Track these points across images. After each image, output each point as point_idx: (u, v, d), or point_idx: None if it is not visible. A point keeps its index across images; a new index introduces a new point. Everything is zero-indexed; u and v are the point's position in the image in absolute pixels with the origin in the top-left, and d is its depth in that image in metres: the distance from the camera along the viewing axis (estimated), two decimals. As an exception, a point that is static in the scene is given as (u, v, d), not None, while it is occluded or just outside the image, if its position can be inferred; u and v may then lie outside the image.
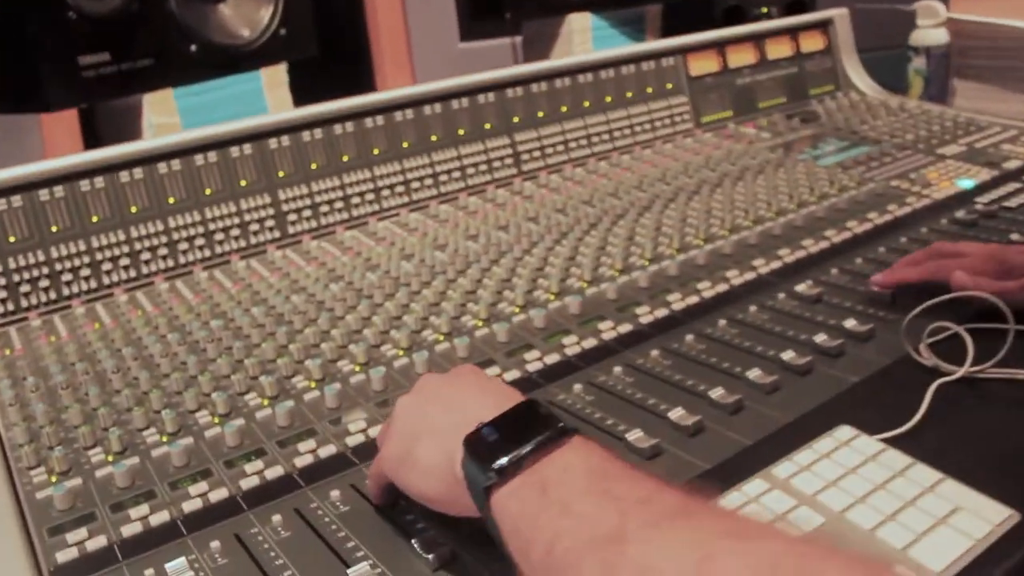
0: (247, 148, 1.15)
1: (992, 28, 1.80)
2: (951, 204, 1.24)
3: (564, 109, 1.39)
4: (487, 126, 1.32)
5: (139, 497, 0.71)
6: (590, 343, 0.90)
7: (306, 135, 1.18)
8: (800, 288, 0.99)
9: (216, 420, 0.80)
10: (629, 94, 1.47)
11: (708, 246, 1.10)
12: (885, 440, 0.70)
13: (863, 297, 0.97)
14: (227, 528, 0.66)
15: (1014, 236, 1.10)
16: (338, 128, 1.21)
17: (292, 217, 1.17)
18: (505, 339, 0.91)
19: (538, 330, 0.93)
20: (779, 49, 1.69)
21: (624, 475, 0.51)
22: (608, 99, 1.44)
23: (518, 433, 0.54)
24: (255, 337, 0.93)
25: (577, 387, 0.82)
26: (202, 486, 0.71)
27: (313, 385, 0.84)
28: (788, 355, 0.84)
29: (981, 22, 1.78)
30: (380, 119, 1.24)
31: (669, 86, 1.52)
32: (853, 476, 0.65)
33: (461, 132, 1.30)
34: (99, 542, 0.66)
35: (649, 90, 1.49)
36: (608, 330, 0.92)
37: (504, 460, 0.52)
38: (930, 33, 1.77)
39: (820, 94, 1.74)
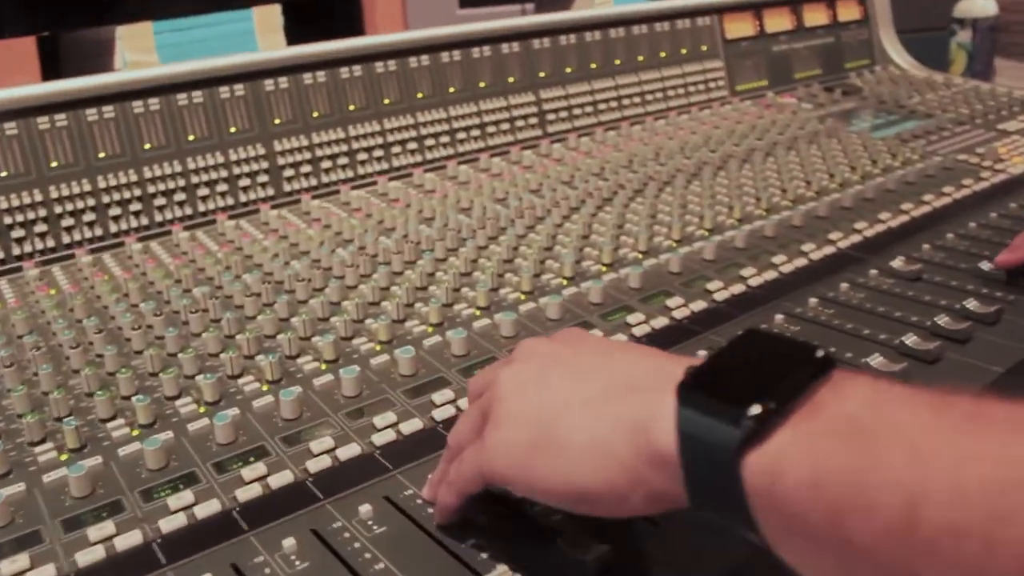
0: (239, 89, 0.96)
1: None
2: (1030, 181, 1.08)
3: (594, 66, 1.22)
4: (510, 79, 1.15)
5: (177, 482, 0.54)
6: (660, 322, 0.73)
7: (307, 77, 1.00)
8: (896, 264, 0.82)
9: (202, 409, 0.62)
10: (663, 54, 1.30)
11: (773, 217, 0.94)
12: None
13: (968, 275, 0.81)
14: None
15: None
16: (344, 72, 1.03)
17: (288, 172, 0.99)
18: (556, 315, 0.73)
19: (593, 306, 0.76)
20: (816, 16, 1.53)
21: (937, 402, 0.34)
22: (640, 58, 1.27)
23: (758, 371, 0.37)
24: (249, 308, 0.75)
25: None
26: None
27: (324, 367, 0.67)
28: (911, 339, 0.67)
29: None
30: (392, 64, 1.06)
31: (704, 48, 1.35)
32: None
33: (482, 85, 1.13)
34: (132, 539, 0.49)
35: (684, 51, 1.32)
36: (678, 307, 0.75)
37: (757, 407, 0.34)
38: (976, 4, 1.61)
39: (856, 67, 1.58)
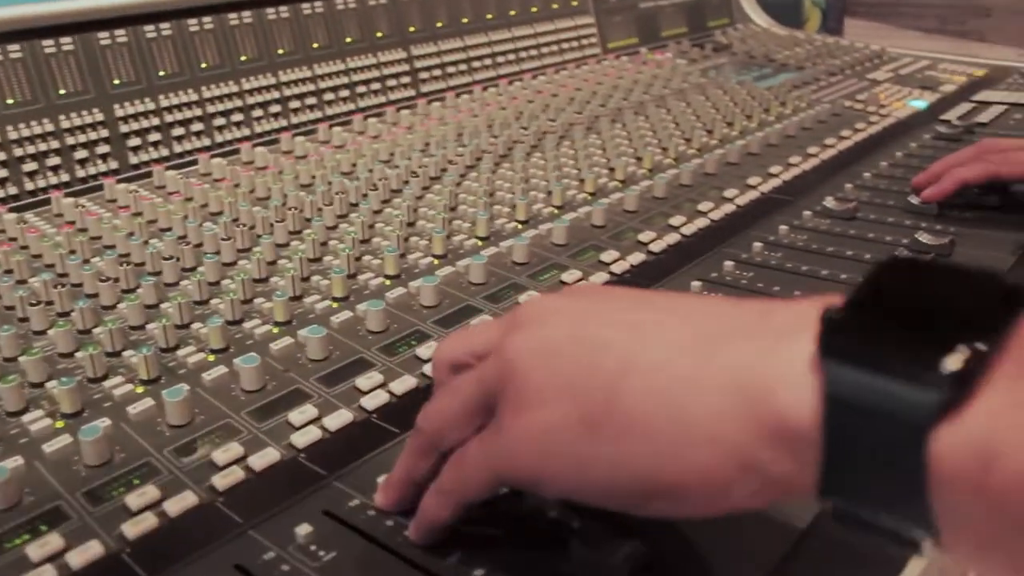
0: (67, 43, 0.80)
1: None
2: (917, 122, 1.05)
3: (465, 20, 1.11)
4: (379, 34, 1.02)
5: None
6: (600, 277, 0.63)
7: (150, 30, 0.84)
8: (829, 204, 0.75)
9: (59, 424, 0.47)
10: (534, 9, 1.20)
11: (685, 165, 0.85)
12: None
13: (901, 210, 0.75)
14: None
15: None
16: (193, 24, 0.87)
17: (134, 142, 0.83)
18: (480, 278, 0.62)
19: (519, 265, 0.65)
20: (678, -27, 1.47)
21: None
22: (512, 13, 1.17)
23: (932, 309, 0.25)
24: (105, 296, 0.60)
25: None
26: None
27: (212, 359, 0.53)
28: (883, 277, 0.60)
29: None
30: (248, 16, 0.91)
31: (575, 3, 1.26)
32: None
33: (349, 40, 0.99)
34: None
35: (555, 6, 1.23)
36: (615, 261, 0.65)
37: (957, 357, 0.23)
38: (828, -40, 1.60)
39: (718, 26, 1.53)
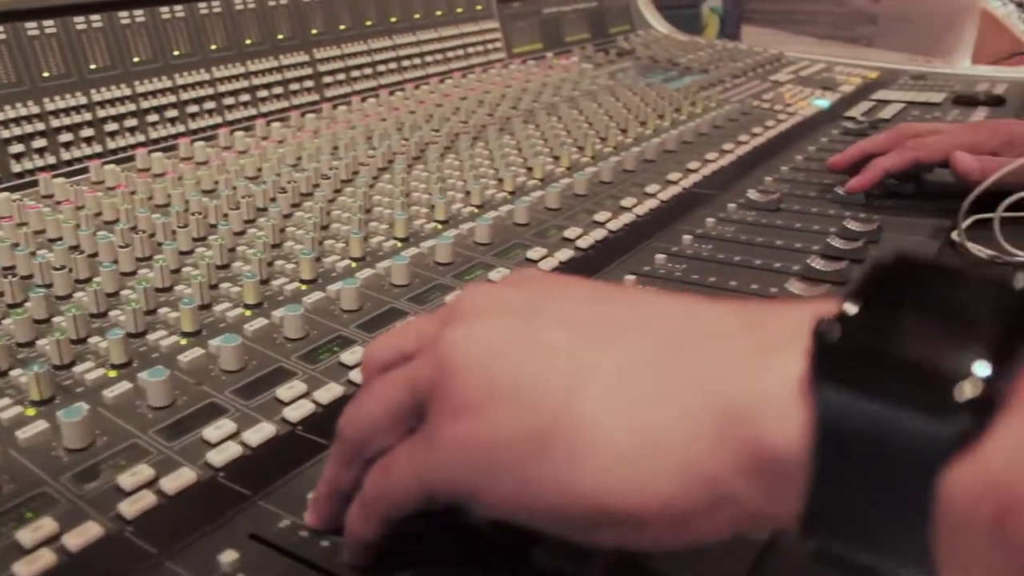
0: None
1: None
2: (822, 120, 1.06)
3: (369, 23, 1.07)
4: (280, 36, 0.97)
5: None
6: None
7: (31, 28, 0.78)
8: (752, 196, 0.74)
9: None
10: (439, 12, 1.16)
11: (602, 163, 0.83)
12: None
13: (823, 200, 0.74)
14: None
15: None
16: (80, 22, 0.81)
17: (16, 148, 0.76)
18: (403, 279, 0.58)
19: (442, 266, 0.61)
20: (579, -21, 1.46)
21: None
22: (417, 16, 1.13)
23: (938, 319, 0.22)
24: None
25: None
26: None
27: (113, 374, 0.47)
28: (818, 263, 0.58)
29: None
30: (140, 14, 0.85)
31: (479, 8, 1.23)
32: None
33: (249, 42, 0.94)
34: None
35: (459, 10, 1.20)
36: (543, 258, 0.62)
37: (971, 385, 0.20)
38: (721, -32, 1.61)
39: (619, 32, 1.53)
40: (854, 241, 0.62)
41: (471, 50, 1.20)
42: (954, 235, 0.63)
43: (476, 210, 0.71)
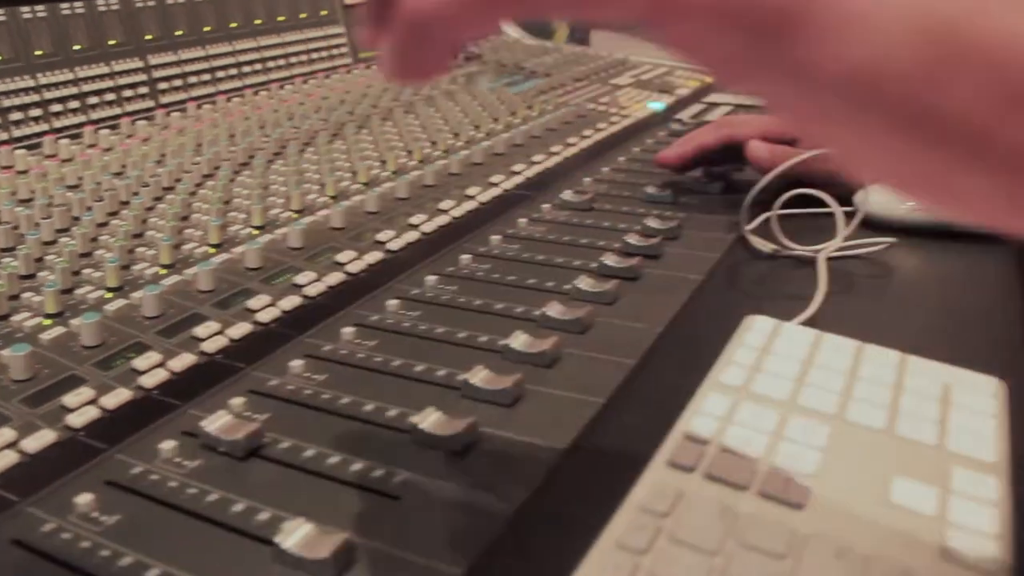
0: None
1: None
2: (654, 122, 1.11)
3: (208, 29, 1.06)
4: (111, 42, 0.96)
5: None
6: (336, 277, 0.61)
7: None
8: (567, 197, 0.77)
9: None
10: (281, 18, 1.17)
11: (429, 167, 0.85)
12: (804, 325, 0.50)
13: (637, 200, 0.78)
14: None
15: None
16: None
17: None
18: (208, 285, 0.59)
19: (251, 271, 0.62)
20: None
21: None
22: (258, 22, 1.13)
23: None
24: None
25: (348, 330, 0.53)
26: None
27: None
28: (611, 260, 0.61)
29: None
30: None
31: (324, 13, 1.24)
32: (816, 371, 0.44)
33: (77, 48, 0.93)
34: None
35: (303, 15, 1.20)
36: (351, 261, 0.64)
37: None
38: (571, -26, 1.65)
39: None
40: (651, 238, 0.66)
41: (315, 55, 1.21)
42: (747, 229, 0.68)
43: (295, 215, 0.72)
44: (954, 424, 0.40)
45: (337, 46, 1.25)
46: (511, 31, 1.63)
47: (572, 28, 1.65)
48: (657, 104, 1.21)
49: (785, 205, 0.65)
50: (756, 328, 0.48)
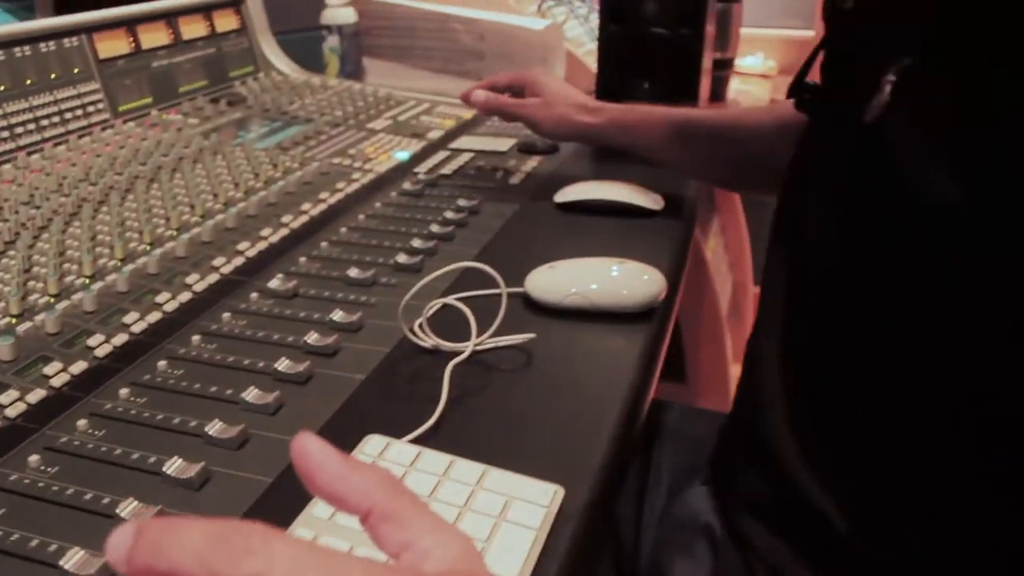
0: None
1: (390, 8, 1.81)
2: (394, 176, 1.21)
3: (-52, 102, 1.09)
4: None
5: None
6: (36, 395, 0.68)
7: None
8: (273, 284, 0.86)
9: None
10: (29, 81, 1.19)
11: (157, 250, 0.92)
12: (416, 441, 0.61)
13: (340, 283, 0.88)
14: None
15: (460, 201, 1.09)
16: None
17: None
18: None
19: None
20: (194, 29, 1.52)
21: None
22: (2, 88, 1.16)
23: None
24: None
25: (33, 458, 0.61)
26: None
27: None
28: (283, 364, 0.71)
29: (380, 2, 1.78)
30: None
31: (77, 71, 1.27)
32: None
33: None
34: None
35: (54, 76, 1.23)
36: (57, 374, 0.71)
37: None
38: (339, 12, 1.73)
39: (240, 75, 1.60)
40: (331, 334, 0.76)
41: (68, 115, 1.24)
42: (417, 326, 0.78)
43: (13, 320, 0.78)
44: (498, 540, 0.52)
45: (94, 103, 1.28)
46: (281, 64, 1.68)
47: (342, 60, 1.73)
48: (403, 154, 1.31)
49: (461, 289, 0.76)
50: (368, 449, 0.59)
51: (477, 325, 0.73)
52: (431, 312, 0.76)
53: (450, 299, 0.76)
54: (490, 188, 1.16)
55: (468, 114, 1.53)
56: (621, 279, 0.83)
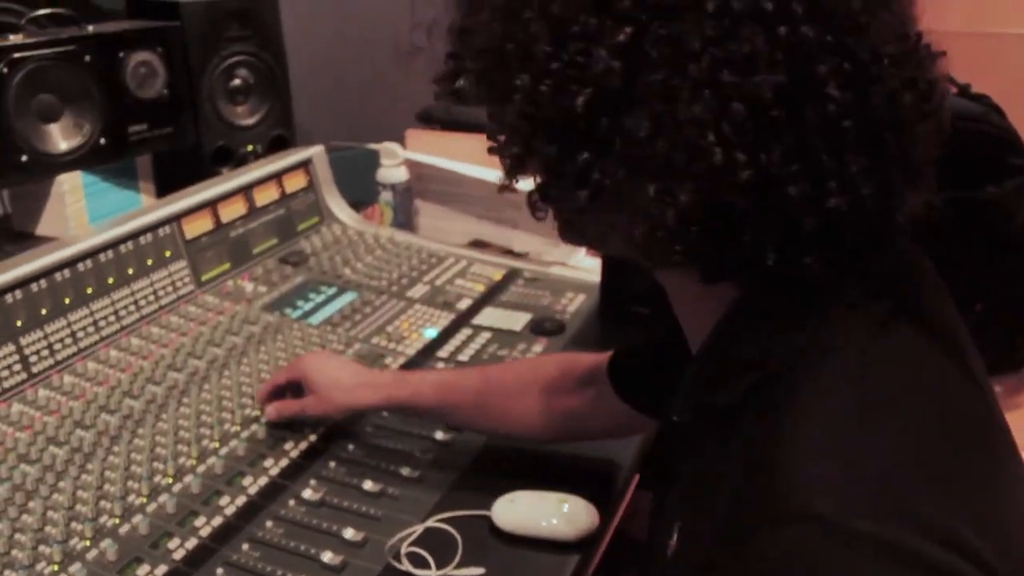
0: None
1: (438, 170, 2.11)
2: (420, 360, 1.50)
3: (68, 301, 1.43)
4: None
5: None
6: None
7: None
8: (306, 494, 1.17)
9: None
10: (130, 270, 1.53)
11: (224, 449, 1.24)
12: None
13: (357, 495, 1.18)
14: None
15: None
16: None
17: None
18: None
19: None
20: (267, 195, 1.85)
21: None
22: (111, 280, 1.50)
23: None
24: None
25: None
26: None
27: None
28: (303, 585, 1.02)
29: (430, 163, 2.09)
30: None
31: (168, 253, 1.61)
32: None
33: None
34: None
35: (149, 262, 1.57)
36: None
37: None
38: (392, 172, 2.04)
39: (307, 228, 1.92)
40: (338, 555, 1.06)
41: (160, 292, 1.58)
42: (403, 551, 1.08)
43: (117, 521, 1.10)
44: None
45: (181, 279, 1.62)
46: (343, 215, 2.00)
47: (395, 212, 2.04)
48: (431, 332, 1.61)
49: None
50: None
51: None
52: (414, 536, 1.07)
53: (430, 522, 1.06)
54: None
55: (497, 275, 1.83)
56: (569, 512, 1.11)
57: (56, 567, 1.02)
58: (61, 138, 1.71)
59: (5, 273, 1.36)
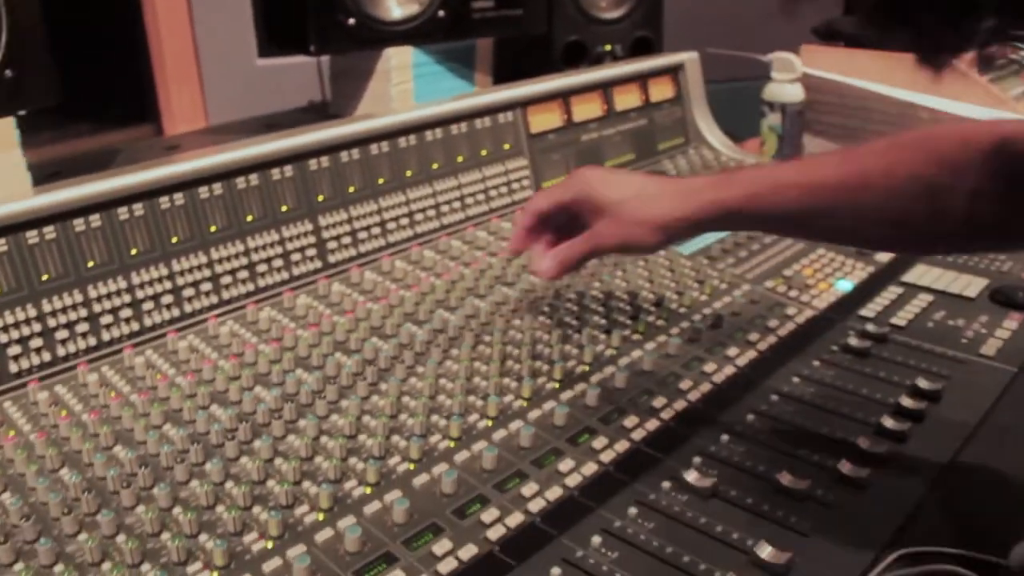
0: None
1: (842, 87, 1.68)
2: (836, 317, 1.09)
3: (381, 181, 1.14)
4: (351, 189, 1.05)
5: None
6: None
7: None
8: (689, 476, 0.77)
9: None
10: (460, 158, 1.23)
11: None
12: None
13: (764, 487, 0.78)
14: None
15: (920, 381, 0.93)
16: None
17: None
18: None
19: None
20: (628, 99, 1.50)
21: None
22: (435, 165, 1.20)
23: None
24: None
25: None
26: None
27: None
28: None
29: (833, 80, 1.66)
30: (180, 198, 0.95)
31: (507, 146, 1.29)
32: None
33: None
34: None
35: (484, 152, 1.26)
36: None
37: None
38: (786, 89, 1.63)
39: (670, 148, 1.56)
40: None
41: (492, 192, 1.26)
42: None
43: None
44: None
45: (519, 179, 1.30)
46: (713, 139, 1.61)
47: (781, 140, 1.63)
48: (846, 284, 1.18)
49: None
50: None
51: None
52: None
53: None
54: (957, 361, 0.99)
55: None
56: None
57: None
58: (395, 3, 1.44)
59: (307, 135, 1.09)
